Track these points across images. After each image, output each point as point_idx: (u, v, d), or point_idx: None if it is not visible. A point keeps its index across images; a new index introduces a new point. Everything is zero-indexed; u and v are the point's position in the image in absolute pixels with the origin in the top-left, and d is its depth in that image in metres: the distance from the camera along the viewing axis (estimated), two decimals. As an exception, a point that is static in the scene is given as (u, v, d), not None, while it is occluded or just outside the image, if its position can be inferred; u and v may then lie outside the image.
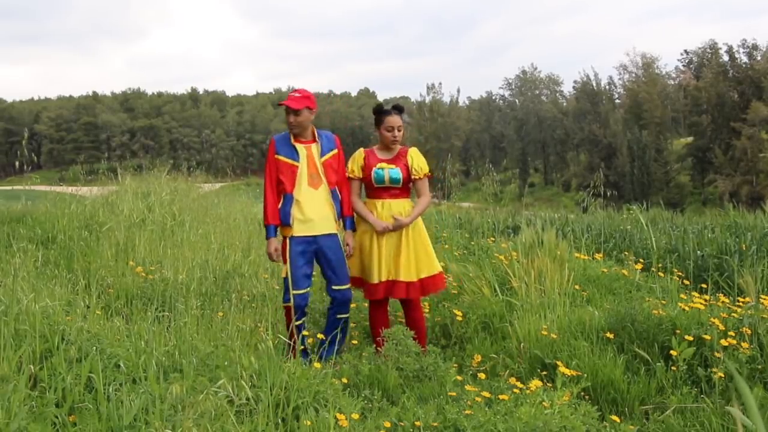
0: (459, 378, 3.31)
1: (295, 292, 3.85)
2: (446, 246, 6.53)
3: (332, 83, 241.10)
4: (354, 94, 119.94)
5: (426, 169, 4.14)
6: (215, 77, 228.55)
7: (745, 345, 3.28)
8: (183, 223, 8.07)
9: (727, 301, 3.92)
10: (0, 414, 2.23)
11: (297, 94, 3.97)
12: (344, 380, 3.10)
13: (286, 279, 3.89)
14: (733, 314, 3.60)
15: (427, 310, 4.67)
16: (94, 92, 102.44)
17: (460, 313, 4.37)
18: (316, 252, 3.96)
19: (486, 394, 2.93)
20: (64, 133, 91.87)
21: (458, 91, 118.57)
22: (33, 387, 2.57)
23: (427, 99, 69.19)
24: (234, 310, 4.06)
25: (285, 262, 3.90)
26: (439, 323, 4.48)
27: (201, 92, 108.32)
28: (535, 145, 69.68)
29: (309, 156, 3.95)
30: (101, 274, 5.46)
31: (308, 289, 3.97)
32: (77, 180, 11.70)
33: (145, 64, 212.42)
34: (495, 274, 4.92)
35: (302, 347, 3.81)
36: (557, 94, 74.81)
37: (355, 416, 2.63)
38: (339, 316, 4.00)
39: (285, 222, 3.91)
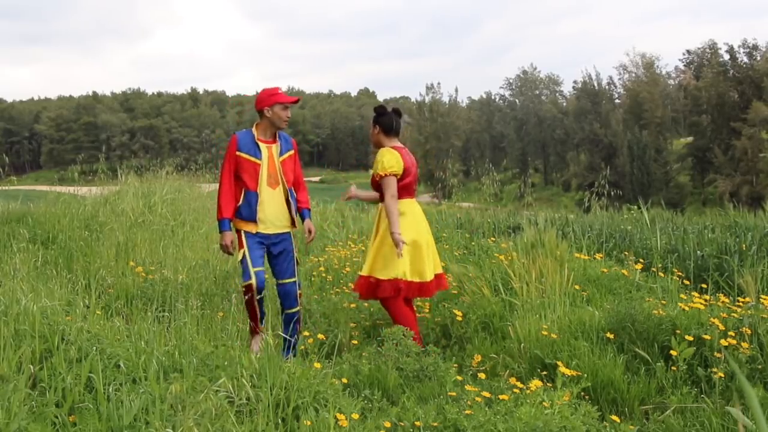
0: (459, 378, 3.30)
1: (255, 269, 3.92)
2: (446, 246, 6.53)
3: (333, 83, 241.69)
4: (354, 94, 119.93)
5: (381, 169, 4.06)
6: (218, 78, 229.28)
7: (745, 345, 3.28)
8: (184, 223, 8.07)
9: (727, 301, 3.92)
10: (0, 414, 2.23)
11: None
12: (344, 380, 3.10)
13: (244, 260, 3.94)
14: (733, 314, 3.60)
15: (427, 310, 4.67)
16: (94, 92, 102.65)
17: (460, 313, 4.37)
18: (267, 248, 4.06)
19: (486, 394, 2.93)
20: (64, 133, 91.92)
21: (456, 90, 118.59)
22: (33, 387, 2.56)
23: (427, 99, 69.21)
24: (234, 310, 4.06)
25: (241, 247, 3.97)
26: (439, 323, 4.48)
27: (201, 92, 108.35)
28: (535, 145, 69.65)
29: (270, 156, 4.03)
30: (101, 274, 5.46)
31: (263, 268, 4.03)
32: (76, 180, 11.70)
33: (148, 64, 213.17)
34: (495, 275, 4.92)
35: (302, 347, 3.83)
36: (557, 94, 74.84)
37: (355, 416, 2.63)
38: (289, 311, 4.07)
39: (250, 218, 3.96)
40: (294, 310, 4.08)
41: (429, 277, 4.12)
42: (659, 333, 3.49)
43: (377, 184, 4.15)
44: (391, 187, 4.04)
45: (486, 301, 4.48)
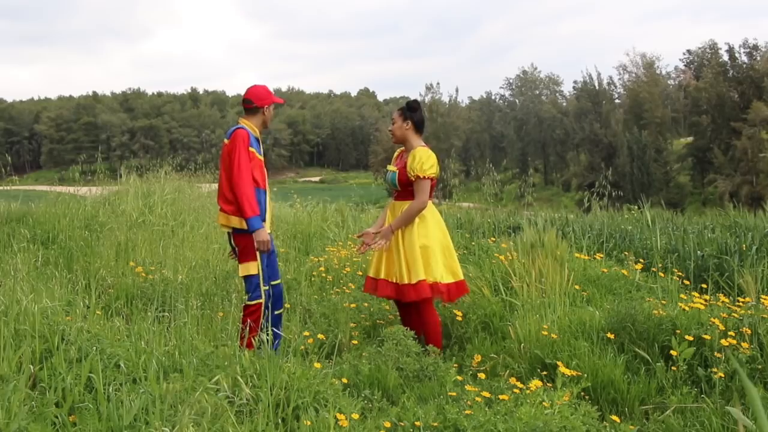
0: (459, 378, 3.31)
1: (265, 287, 3.82)
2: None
3: (333, 83, 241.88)
4: (354, 94, 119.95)
5: (419, 170, 3.85)
6: (218, 78, 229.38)
7: (745, 345, 3.28)
8: (184, 223, 8.07)
9: (727, 301, 3.92)
10: (0, 414, 2.23)
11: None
12: (344, 380, 3.10)
13: (256, 276, 3.79)
14: (733, 314, 3.60)
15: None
16: (94, 92, 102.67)
17: (460, 313, 4.37)
18: None
19: (486, 394, 2.93)
20: (64, 133, 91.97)
21: (456, 90, 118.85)
22: (33, 387, 2.57)
23: (427, 99, 69.17)
24: (234, 310, 4.06)
25: (255, 258, 3.79)
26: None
27: (201, 92, 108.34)
28: (535, 145, 69.66)
29: (263, 152, 3.98)
30: (101, 274, 5.46)
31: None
32: (76, 180, 11.71)
33: (148, 64, 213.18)
34: (495, 274, 4.92)
35: (302, 347, 3.82)
36: (557, 94, 74.87)
37: (355, 416, 2.63)
38: (278, 311, 3.99)
39: (261, 219, 3.80)
40: (282, 309, 4.07)
41: (461, 274, 4.06)
42: (659, 333, 3.49)
43: (407, 183, 3.94)
44: (426, 191, 3.90)
45: (486, 301, 4.48)
